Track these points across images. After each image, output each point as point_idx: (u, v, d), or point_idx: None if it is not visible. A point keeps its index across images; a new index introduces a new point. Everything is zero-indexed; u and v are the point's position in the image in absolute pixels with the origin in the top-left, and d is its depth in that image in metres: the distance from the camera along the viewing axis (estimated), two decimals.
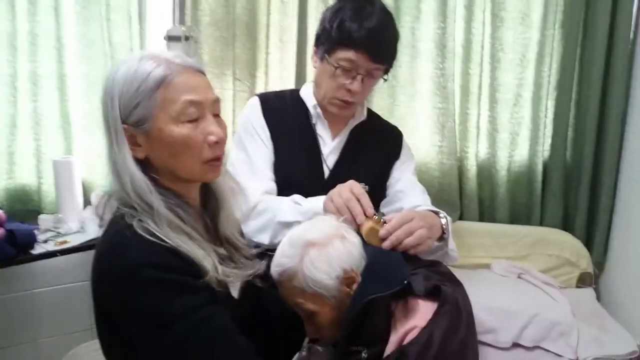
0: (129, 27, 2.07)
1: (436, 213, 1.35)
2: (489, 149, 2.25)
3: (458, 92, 2.20)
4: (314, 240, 1.00)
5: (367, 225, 1.12)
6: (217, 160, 0.96)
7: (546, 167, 2.24)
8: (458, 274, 2.06)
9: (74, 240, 1.82)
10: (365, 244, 1.06)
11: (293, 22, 2.14)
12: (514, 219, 2.30)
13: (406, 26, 2.13)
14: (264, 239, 1.33)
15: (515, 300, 1.93)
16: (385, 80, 1.47)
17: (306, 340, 1.13)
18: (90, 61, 2.05)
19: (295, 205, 1.33)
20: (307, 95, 1.52)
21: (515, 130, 2.21)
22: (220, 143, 0.95)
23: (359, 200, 1.17)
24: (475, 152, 2.25)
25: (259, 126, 1.48)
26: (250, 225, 1.35)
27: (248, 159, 1.46)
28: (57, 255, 1.74)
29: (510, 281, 2.09)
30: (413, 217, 1.16)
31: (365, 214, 1.15)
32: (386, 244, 1.09)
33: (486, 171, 2.28)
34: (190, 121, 0.91)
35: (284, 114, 1.51)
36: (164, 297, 0.84)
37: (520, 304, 1.91)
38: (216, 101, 0.96)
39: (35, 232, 1.80)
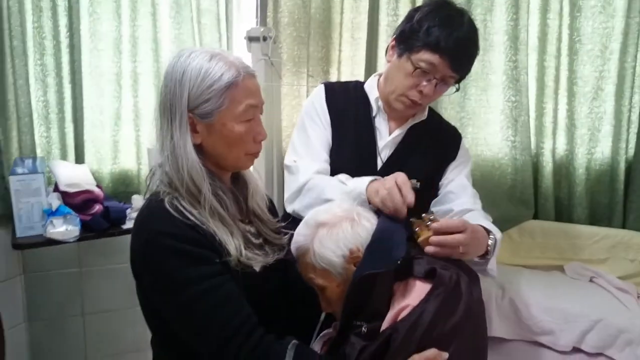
0: (217, 29, 2.28)
1: (488, 232, 1.32)
2: (567, 145, 2.15)
3: (533, 86, 2.13)
4: (324, 221, 1.09)
5: (422, 236, 1.12)
6: (256, 154, 1.13)
7: (630, 165, 2.09)
8: (527, 274, 2.05)
9: None
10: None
11: (364, 19, 2.21)
12: (593, 221, 2.17)
13: (478, 18, 2.11)
14: None
15: (580, 304, 1.84)
16: (457, 90, 1.49)
17: (323, 314, 1.22)
18: None
19: (340, 184, 1.38)
20: (371, 87, 1.56)
21: (595, 126, 2.09)
22: (262, 140, 1.11)
23: (400, 191, 1.17)
24: (552, 148, 2.16)
25: (321, 111, 1.54)
26: (300, 202, 1.44)
27: (307, 140, 1.53)
28: None
29: (580, 284, 1.99)
30: (464, 229, 1.13)
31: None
32: (429, 250, 1.09)
33: (564, 168, 2.18)
34: (247, 120, 1.06)
35: (346, 102, 1.56)
36: (178, 265, 0.98)
37: (584, 307, 1.82)
38: (263, 103, 1.12)
39: (128, 210, 2.06)
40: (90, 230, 1.82)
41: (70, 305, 2.16)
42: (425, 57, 1.36)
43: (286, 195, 1.52)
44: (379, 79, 1.56)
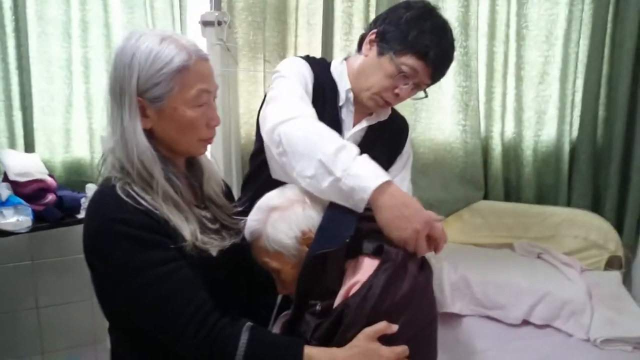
0: (171, 13, 2.24)
1: None
2: (515, 128, 2.23)
3: (483, 71, 2.20)
4: (277, 205, 1.10)
5: None
6: (210, 140, 1.11)
7: (574, 147, 2.19)
8: (479, 252, 2.13)
9: None
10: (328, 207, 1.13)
11: (319, 5, 2.23)
12: (540, 200, 2.27)
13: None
14: None
15: (528, 279, 1.92)
16: (426, 96, 1.45)
17: (279, 297, 1.24)
18: None
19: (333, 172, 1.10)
20: (340, 75, 1.45)
21: (541, 109, 2.18)
22: (216, 126, 1.10)
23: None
24: (501, 131, 2.24)
25: (310, 79, 1.40)
26: (289, 126, 1.20)
27: (296, 88, 1.34)
28: None
29: (528, 260, 2.09)
30: None
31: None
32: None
33: (512, 151, 2.27)
34: (199, 105, 1.04)
35: (319, 84, 1.43)
36: (131, 251, 0.96)
37: (532, 282, 1.91)
38: (217, 88, 1.10)
39: (83, 199, 2.03)
40: (44, 220, 1.79)
41: (23, 299, 2.11)
42: (409, 62, 1.32)
43: (271, 116, 1.25)
44: (346, 67, 1.46)
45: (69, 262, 2.10)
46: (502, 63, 2.17)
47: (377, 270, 0.98)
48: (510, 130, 2.25)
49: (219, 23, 2.19)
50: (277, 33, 2.28)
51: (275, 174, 1.25)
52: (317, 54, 2.26)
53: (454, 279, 1.95)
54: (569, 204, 2.23)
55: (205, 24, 2.22)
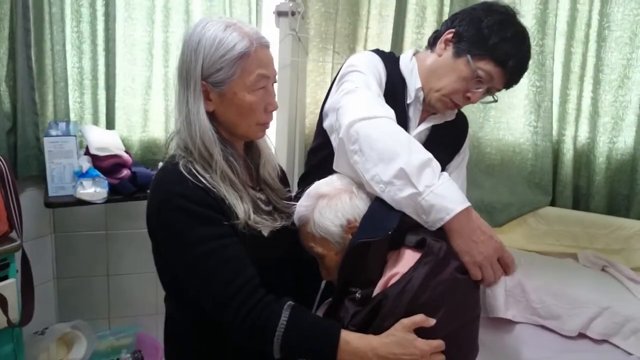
0: (247, 2, 2.32)
1: None
2: (589, 133, 2.13)
3: (559, 71, 2.11)
4: (325, 193, 1.14)
5: None
6: (267, 124, 1.17)
7: None
8: (540, 260, 2.06)
9: None
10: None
11: None
12: (611, 211, 2.15)
13: (506, 0, 2.09)
14: None
15: (589, 291, 1.84)
16: (495, 100, 1.44)
17: (323, 282, 1.28)
18: None
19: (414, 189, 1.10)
20: (410, 72, 1.43)
21: (619, 115, 2.06)
22: (273, 111, 1.15)
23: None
24: (574, 135, 2.14)
25: (383, 74, 1.39)
26: (367, 126, 1.18)
27: (374, 84, 1.33)
28: None
29: (592, 272, 1.99)
30: None
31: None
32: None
33: (584, 157, 2.16)
34: (258, 90, 1.10)
35: (390, 82, 1.41)
36: (188, 224, 1.04)
37: (593, 294, 1.83)
38: (276, 74, 1.15)
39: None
40: (118, 193, 1.92)
41: (96, 266, 2.29)
42: (487, 67, 1.30)
43: (351, 110, 1.22)
44: (417, 64, 1.43)
45: (140, 234, 2.23)
46: (579, 64, 2.07)
47: (418, 263, 0.99)
48: (583, 135, 2.14)
49: (293, 13, 2.25)
50: (349, 24, 2.30)
51: (339, 167, 1.23)
52: (387, 46, 2.27)
53: (510, 284, 1.90)
54: None
55: (280, 14, 2.28)
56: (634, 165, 2.08)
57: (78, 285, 2.26)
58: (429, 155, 1.11)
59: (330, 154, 1.26)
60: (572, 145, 2.15)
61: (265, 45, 1.11)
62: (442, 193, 1.06)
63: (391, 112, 1.23)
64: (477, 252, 1.06)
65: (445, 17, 2.19)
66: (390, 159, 1.08)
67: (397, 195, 1.07)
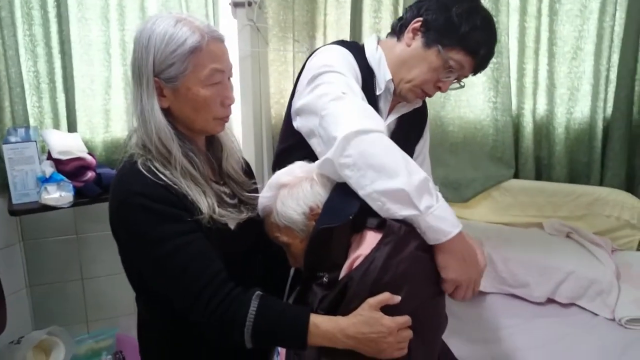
0: None
1: None
2: (547, 105, 2.19)
3: (515, 47, 2.16)
4: (286, 182, 1.15)
5: None
6: (225, 118, 1.16)
7: (608, 124, 2.13)
8: (507, 231, 2.12)
9: None
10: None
11: None
12: (572, 179, 2.23)
13: None
14: None
15: (555, 258, 1.91)
16: (462, 86, 1.42)
17: (292, 270, 1.30)
18: None
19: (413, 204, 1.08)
20: (378, 63, 1.39)
21: (574, 86, 2.12)
22: (231, 105, 1.14)
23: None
24: (532, 108, 2.20)
25: (358, 76, 1.34)
26: (360, 141, 1.12)
27: (357, 87, 1.28)
28: None
29: (557, 240, 2.07)
30: None
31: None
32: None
33: (544, 128, 2.22)
34: (213, 85, 1.09)
35: (360, 71, 1.37)
36: (150, 223, 1.04)
37: (558, 261, 1.90)
38: (232, 67, 1.14)
39: None
40: (84, 196, 1.90)
41: (69, 270, 2.25)
42: (458, 57, 1.30)
43: (343, 121, 1.15)
44: (384, 54, 1.39)
45: (111, 236, 2.21)
46: (533, 39, 2.12)
47: (380, 243, 1.02)
48: (542, 108, 2.20)
49: (249, 4, 2.23)
50: (307, 12, 2.30)
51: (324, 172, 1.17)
52: (346, 32, 2.28)
53: None
54: (601, 183, 2.17)
55: (236, 4, 2.26)
56: (592, 134, 2.15)
57: (52, 292, 2.23)
58: (424, 174, 1.10)
59: (307, 156, 1.23)
60: (532, 118, 2.21)
61: (218, 39, 1.10)
62: (440, 215, 1.06)
63: (382, 123, 1.20)
64: (462, 271, 1.08)
65: (402, 0, 2.22)
66: (389, 177, 1.06)
67: (396, 213, 1.06)
